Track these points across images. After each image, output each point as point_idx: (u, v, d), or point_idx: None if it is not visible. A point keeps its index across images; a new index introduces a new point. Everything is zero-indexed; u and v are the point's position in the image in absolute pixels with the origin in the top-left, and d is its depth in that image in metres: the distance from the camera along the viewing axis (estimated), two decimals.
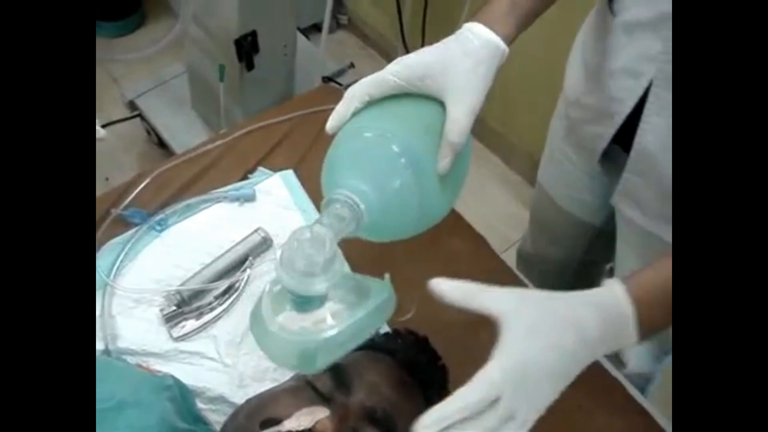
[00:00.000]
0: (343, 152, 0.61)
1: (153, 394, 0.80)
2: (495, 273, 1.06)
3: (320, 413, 0.66)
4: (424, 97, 0.63)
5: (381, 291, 0.62)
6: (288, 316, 0.56)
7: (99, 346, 0.91)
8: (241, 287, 0.96)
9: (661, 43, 0.75)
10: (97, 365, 0.83)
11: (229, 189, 1.06)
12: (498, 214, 1.90)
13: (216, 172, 1.10)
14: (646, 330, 0.57)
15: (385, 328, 0.90)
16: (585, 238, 1.17)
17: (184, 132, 1.91)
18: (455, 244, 1.07)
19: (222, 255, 0.98)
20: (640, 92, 0.81)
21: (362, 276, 0.64)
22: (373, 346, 0.81)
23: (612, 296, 0.57)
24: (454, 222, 1.10)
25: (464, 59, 0.63)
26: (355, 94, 0.63)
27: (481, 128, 2.12)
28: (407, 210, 0.60)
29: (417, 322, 0.92)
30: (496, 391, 0.51)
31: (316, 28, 2.26)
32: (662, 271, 0.57)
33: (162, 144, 1.98)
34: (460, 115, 0.61)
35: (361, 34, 2.44)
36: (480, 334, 0.97)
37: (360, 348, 0.78)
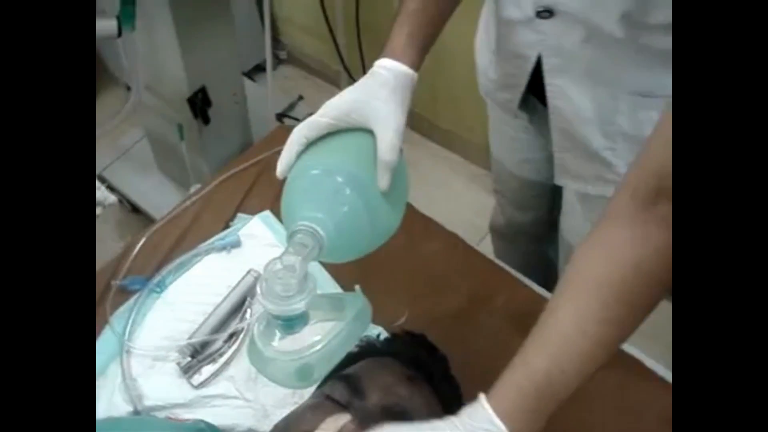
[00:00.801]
0: (296, 191, 0.69)
1: None
2: (473, 267, 1.14)
3: (343, 419, 0.73)
4: (354, 130, 0.72)
5: (355, 302, 0.70)
6: (280, 343, 0.65)
7: (128, 408, 0.97)
8: (246, 328, 1.03)
9: (536, 35, 0.88)
10: (131, 424, 0.90)
11: (215, 240, 1.14)
12: (468, 207, 1.98)
13: (199, 227, 1.18)
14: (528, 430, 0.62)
15: (385, 334, 0.98)
16: (544, 197, 1.26)
17: (156, 195, 1.97)
18: (432, 247, 1.15)
19: (222, 302, 1.05)
20: (530, 68, 0.94)
21: (335, 293, 0.72)
22: (377, 351, 0.88)
23: (476, 410, 0.62)
24: (425, 226, 1.19)
25: (381, 90, 0.72)
26: (294, 139, 0.72)
27: (435, 131, 2.21)
28: (361, 229, 0.68)
29: (411, 322, 1.01)
30: None
31: (259, 68, 2.34)
32: (522, 369, 0.62)
33: (136, 210, 2.04)
34: (388, 136, 0.70)
35: (302, 65, 2.53)
36: (470, 322, 1.07)
37: (365, 356, 0.87)
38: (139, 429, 0.88)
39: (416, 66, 0.76)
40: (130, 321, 1.04)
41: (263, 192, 1.22)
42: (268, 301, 0.61)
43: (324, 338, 0.65)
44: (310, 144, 0.72)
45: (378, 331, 0.94)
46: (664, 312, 0.65)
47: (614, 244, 0.64)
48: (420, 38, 0.78)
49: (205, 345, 1.01)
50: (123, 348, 1.02)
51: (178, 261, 1.10)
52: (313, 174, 0.69)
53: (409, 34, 0.77)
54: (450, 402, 0.80)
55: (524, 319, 0.66)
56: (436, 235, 1.17)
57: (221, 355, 1.01)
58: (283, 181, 0.71)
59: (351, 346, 0.69)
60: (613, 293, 0.62)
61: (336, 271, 1.06)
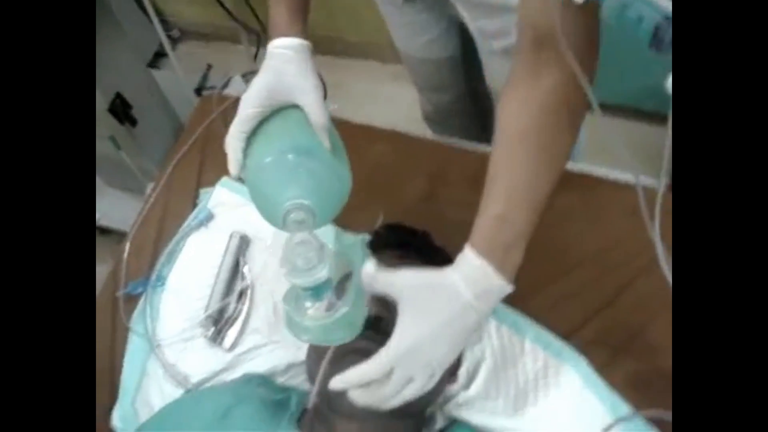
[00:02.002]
0: (261, 182, 0.75)
1: (246, 388, 0.96)
2: (422, 153, 1.23)
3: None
4: (280, 110, 0.79)
5: (355, 248, 0.78)
6: (314, 311, 0.72)
7: (179, 391, 1.05)
8: (251, 284, 1.12)
9: None
10: (188, 401, 0.99)
11: (190, 221, 1.20)
12: (401, 106, 2.04)
13: (171, 217, 1.24)
14: (509, 266, 0.71)
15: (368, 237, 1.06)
16: (459, 71, 1.34)
17: (117, 210, 2.00)
18: (378, 149, 1.23)
19: (219, 270, 1.13)
20: None
21: (335, 249, 0.78)
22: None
23: (465, 259, 0.71)
24: (366, 133, 1.26)
25: (287, 66, 0.79)
26: (234, 138, 0.78)
27: (344, 46, 2.25)
28: (332, 186, 0.76)
29: (388, 220, 1.07)
30: (388, 366, 0.69)
31: (159, 55, 2.35)
32: (486, 215, 0.71)
33: (104, 231, 2.08)
34: (312, 103, 0.77)
35: (198, 36, 2.52)
36: (437, 200, 1.16)
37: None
38: (198, 401, 0.97)
39: (305, 34, 0.82)
40: (148, 320, 1.12)
41: (214, 163, 1.27)
42: (293, 276, 0.68)
43: (353, 289, 0.73)
44: (249, 138, 0.78)
45: (362, 237, 1.02)
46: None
47: (521, 95, 0.74)
48: (297, 8, 0.84)
49: (221, 312, 1.09)
50: (153, 345, 1.09)
51: (166, 252, 1.17)
52: (268, 162, 0.74)
53: (288, 8, 0.83)
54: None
55: (481, 178, 0.75)
56: (378, 137, 1.25)
57: (238, 316, 1.09)
58: None
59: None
60: (533, 140, 0.72)
61: None
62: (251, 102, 0.78)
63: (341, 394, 0.74)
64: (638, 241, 1.02)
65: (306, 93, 0.77)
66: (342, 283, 0.73)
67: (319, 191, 0.73)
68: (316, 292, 0.70)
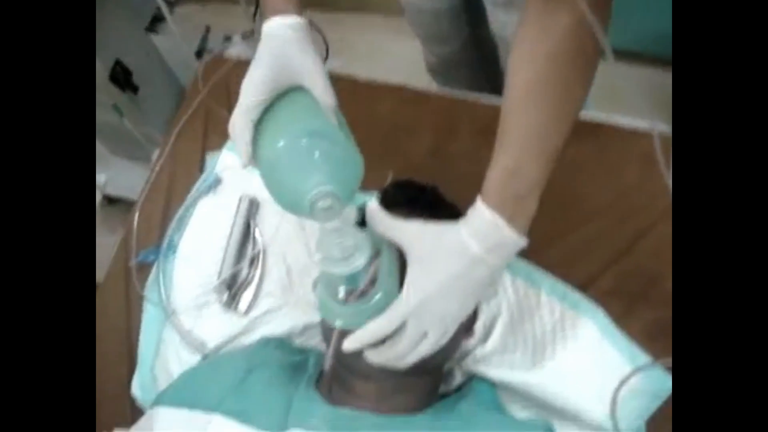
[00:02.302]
0: (277, 170, 0.72)
1: (262, 352, 0.96)
2: (429, 107, 1.20)
3: None
4: (285, 93, 0.75)
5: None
6: (347, 297, 0.71)
7: (197, 357, 1.06)
8: (262, 247, 1.11)
9: None
10: (207, 365, 0.99)
11: (198, 186, 1.19)
12: (407, 59, 2.01)
13: (178, 183, 1.23)
14: (521, 218, 0.69)
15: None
16: (461, 20, 1.31)
17: (123, 178, 1.99)
18: (385, 106, 1.21)
19: (231, 235, 1.12)
20: None
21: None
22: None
23: (476, 212, 0.69)
24: (371, 89, 1.24)
25: (288, 47, 0.74)
26: (241, 128, 0.74)
27: (344, 3, 2.20)
28: (348, 165, 0.73)
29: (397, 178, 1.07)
30: (400, 320, 0.69)
31: (157, 19, 2.30)
32: (497, 167, 0.70)
33: (112, 201, 2.07)
34: (319, 83, 0.73)
35: None
36: (446, 155, 1.14)
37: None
38: (217, 365, 0.97)
39: (300, 11, 0.79)
40: (162, 288, 1.11)
41: (219, 126, 1.26)
42: (329, 265, 0.67)
43: (382, 273, 0.72)
44: (257, 126, 0.75)
45: (371, 196, 1.01)
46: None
47: (532, 44, 0.71)
48: None
49: (234, 277, 1.09)
50: (168, 312, 1.09)
51: (176, 219, 1.16)
52: (283, 148, 0.71)
53: None
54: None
55: (492, 131, 0.73)
56: (383, 93, 1.22)
57: (252, 280, 1.09)
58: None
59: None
60: (545, 91, 0.70)
61: None
62: (255, 90, 0.74)
63: (357, 355, 0.74)
64: (654, 189, 1.03)
65: (312, 75, 0.74)
66: (372, 263, 0.72)
67: (340, 174, 0.71)
68: (352, 278, 0.69)
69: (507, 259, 0.71)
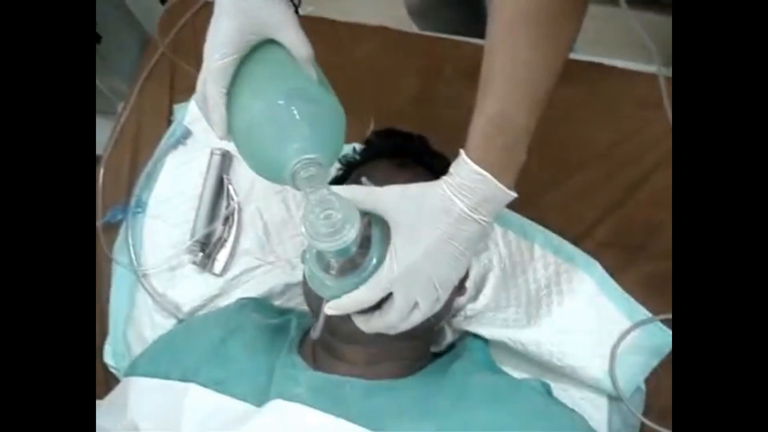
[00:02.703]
0: (255, 136, 0.66)
1: (239, 315, 0.91)
2: (412, 49, 1.14)
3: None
4: (256, 49, 0.67)
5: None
6: (339, 269, 0.66)
7: (171, 321, 1.01)
8: (236, 203, 1.04)
9: None
10: (182, 331, 0.94)
11: (166, 139, 1.12)
12: (386, 2, 1.92)
13: (145, 137, 1.15)
14: (509, 170, 0.64)
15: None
16: None
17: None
18: (366, 48, 1.14)
19: (203, 191, 1.05)
20: None
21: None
22: (359, 162, 0.91)
23: (459, 166, 0.64)
24: (351, 32, 1.16)
25: (251, 1, 0.66)
26: (214, 96, 0.66)
27: None
28: (331, 122, 0.67)
29: (380, 124, 1.00)
30: (383, 291, 0.64)
31: None
32: (481, 116, 0.64)
33: None
34: (291, 35, 0.66)
35: None
36: (431, 99, 1.08)
37: (350, 173, 0.89)
38: (192, 331, 0.91)
39: None
40: (131, 248, 1.05)
41: (187, 75, 1.17)
42: (319, 241, 0.61)
43: (374, 241, 0.66)
44: (229, 91, 0.68)
45: (353, 146, 0.96)
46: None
47: None
48: None
49: (208, 235, 1.03)
50: (139, 275, 1.03)
51: (143, 175, 1.09)
52: (259, 113, 0.65)
53: None
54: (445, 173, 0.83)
55: (478, 73, 0.67)
56: (364, 35, 1.15)
57: (227, 238, 1.03)
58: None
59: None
60: (533, 27, 0.63)
61: None
62: (222, 49, 0.66)
63: (344, 319, 0.69)
64: (652, 134, 0.98)
65: (283, 26, 0.66)
66: (363, 230, 0.66)
67: (323, 138, 0.66)
68: (343, 251, 0.63)
69: (497, 211, 0.66)
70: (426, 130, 0.93)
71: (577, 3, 0.65)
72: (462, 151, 0.65)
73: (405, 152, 0.89)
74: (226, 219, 1.04)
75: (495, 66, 0.65)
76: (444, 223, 0.64)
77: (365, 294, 0.66)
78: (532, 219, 0.96)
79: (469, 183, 0.63)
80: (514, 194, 0.65)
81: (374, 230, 0.67)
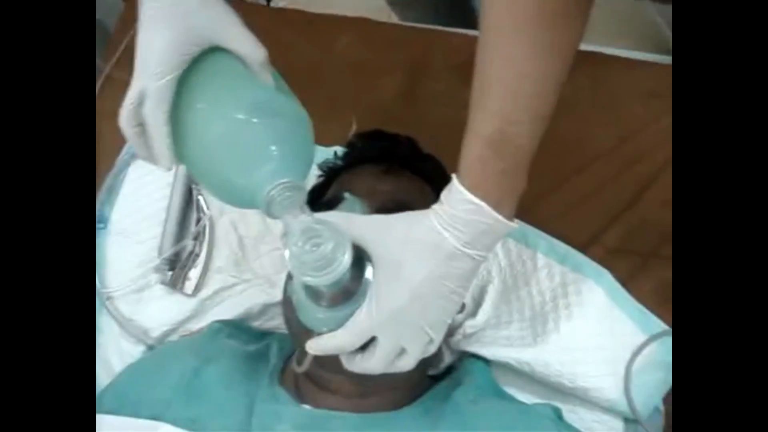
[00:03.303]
0: (218, 164, 0.58)
1: (213, 343, 0.83)
2: (395, 41, 1.06)
3: None
4: (200, 60, 0.58)
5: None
6: (331, 300, 0.58)
7: (140, 348, 0.93)
8: (207, 216, 0.96)
9: None
10: (150, 361, 0.86)
11: (128, 149, 1.02)
12: None
13: (105, 146, 1.03)
14: (508, 197, 0.57)
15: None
16: None
17: None
18: (344, 40, 1.05)
19: (170, 202, 0.96)
20: None
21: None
22: (341, 168, 0.84)
23: (453, 196, 0.56)
24: (329, 23, 1.08)
25: (186, 3, 0.57)
26: (157, 124, 0.57)
27: None
28: (301, 137, 0.60)
29: (364, 127, 0.93)
30: (365, 336, 0.57)
31: None
32: (476, 136, 0.56)
33: None
34: (240, 38, 0.58)
35: None
36: (420, 96, 1.01)
37: (332, 180, 0.82)
38: (161, 361, 0.83)
39: None
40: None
41: None
42: (309, 277, 0.53)
43: (368, 267, 0.58)
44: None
45: (334, 149, 0.89)
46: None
47: None
48: None
49: (178, 252, 0.94)
50: (103, 297, 0.94)
51: (105, 188, 1.00)
52: (216, 134, 0.57)
53: None
54: (438, 180, 0.76)
55: (471, 67, 0.59)
56: (343, 27, 1.07)
57: (198, 255, 0.94)
58: None
59: None
60: (537, 23, 0.54)
61: None
62: (159, 67, 0.56)
63: (330, 357, 0.61)
64: (661, 128, 0.90)
65: (227, 29, 0.58)
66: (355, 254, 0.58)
67: (293, 154, 0.58)
68: (336, 283, 0.56)
69: (495, 244, 0.58)
70: (414, 131, 0.86)
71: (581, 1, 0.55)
72: (454, 177, 0.57)
73: (391, 156, 0.81)
74: (197, 234, 0.95)
75: (490, 76, 0.56)
76: (433, 261, 0.56)
77: (346, 339, 0.58)
78: (533, 225, 0.88)
79: (463, 215, 0.55)
80: (514, 225, 0.58)
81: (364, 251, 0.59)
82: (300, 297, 0.60)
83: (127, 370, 0.85)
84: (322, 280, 0.53)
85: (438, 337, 0.59)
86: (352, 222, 0.57)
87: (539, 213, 0.88)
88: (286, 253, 0.54)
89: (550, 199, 0.91)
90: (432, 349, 0.60)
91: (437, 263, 0.56)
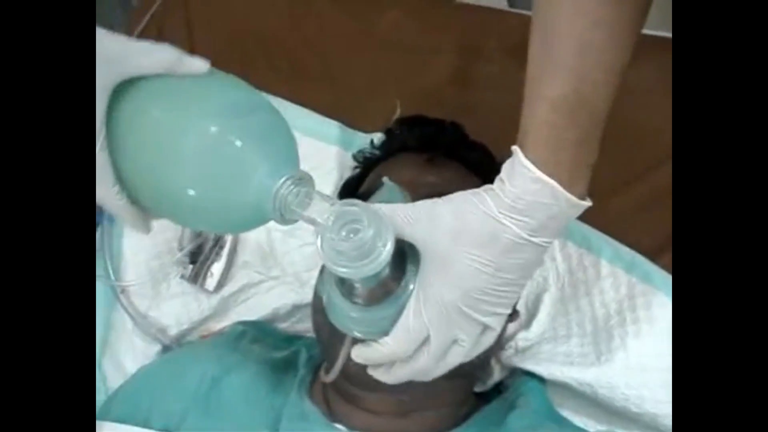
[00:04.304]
0: (206, 193, 0.47)
1: (236, 348, 0.77)
2: (446, 19, 0.98)
3: None
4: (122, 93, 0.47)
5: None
6: (367, 297, 0.52)
7: (155, 347, 0.87)
8: None
9: None
10: (166, 366, 0.80)
11: None
12: None
13: None
14: (581, 172, 0.49)
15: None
16: None
17: None
18: (391, 18, 0.97)
19: None
20: None
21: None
22: (379, 158, 0.78)
23: (515, 172, 0.48)
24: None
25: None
26: (105, 197, 0.48)
27: None
28: (282, 125, 0.50)
29: (407, 111, 0.87)
30: (420, 338, 0.50)
31: None
32: (544, 100, 0.49)
33: None
34: (161, 56, 0.47)
35: None
36: (471, 79, 0.93)
37: (369, 171, 0.76)
38: (178, 366, 0.76)
39: None
40: (107, 257, 0.89)
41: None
42: (346, 270, 0.46)
43: (409, 262, 0.52)
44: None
45: (371, 138, 0.82)
46: None
47: None
48: None
49: (200, 245, 0.88)
50: (116, 291, 0.88)
51: None
52: (191, 149, 0.46)
53: None
54: (486, 170, 0.70)
55: (525, 49, 0.52)
56: (388, 3, 0.98)
57: (222, 247, 0.87)
58: None
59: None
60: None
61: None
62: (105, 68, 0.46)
63: (362, 368, 0.54)
64: None
65: (136, 53, 0.47)
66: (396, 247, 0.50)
67: (285, 145, 0.50)
68: (374, 275, 0.49)
69: (563, 227, 0.50)
70: (463, 117, 0.79)
71: None
72: (517, 150, 0.49)
73: (435, 144, 0.74)
74: None
75: (558, 27, 0.49)
76: (489, 254, 0.48)
77: (400, 346, 0.50)
78: (596, 228, 0.79)
79: (529, 197, 0.47)
80: (588, 203, 0.50)
81: (406, 243, 0.51)
82: (332, 294, 0.52)
83: (140, 374, 0.79)
84: (360, 271, 0.46)
85: (496, 328, 0.51)
86: (393, 210, 0.50)
87: (604, 214, 0.77)
88: (318, 241, 0.46)
89: (617, 198, 0.81)
90: (487, 344, 0.52)
91: (494, 256, 0.48)
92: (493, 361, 0.76)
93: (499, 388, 0.77)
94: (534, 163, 0.47)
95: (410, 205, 0.51)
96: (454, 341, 0.51)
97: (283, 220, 0.48)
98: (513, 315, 0.73)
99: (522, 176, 0.47)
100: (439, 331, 0.49)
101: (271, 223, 0.87)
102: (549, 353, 0.74)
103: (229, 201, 0.47)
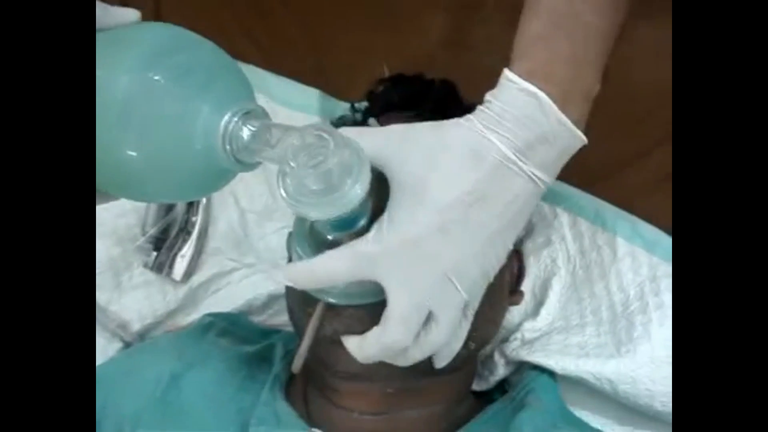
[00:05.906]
0: (150, 142, 0.41)
1: (201, 342, 0.69)
2: None
3: None
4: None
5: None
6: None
7: (117, 345, 0.79)
8: None
9: None
10: (122, 363, 0.74)
11: None
12: None
13: None
14: (576, 96, 0.45)
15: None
16: None
17: None
18: None
19: None
20: None
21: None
22: (359, 123, 0.71)
23: (503, 89, 0.44)
24: None
25: None
26: None
27: None
28: (229, 62, 0.44)
29: None
30: (369, 270, 0.43)
31: None
32: (538, 15, 0.47)
33: None
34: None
35: None
36: (466, 40, 0.87)
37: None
38: (137, 362, 0.70)
39: None
40: None
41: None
42: (306, 205, 0.40)
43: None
44: None
45: (350, 104, 0.75)
46: None
47: None
48: None
49: (165, 230, 0.81)
50: None
51: None
52: (124, 95, 0.39)
53: None
54: None
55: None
56: None
57: (189, 231, 0.80)
58: None
59: None
60: None
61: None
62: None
63: (335, 348, 0.50)
64: None
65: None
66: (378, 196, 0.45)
67: (235, 78, 0.43)
68: (349, 220, 0.44)
69: (559, 164, 0.46)
70: (459, 80, 0.73)
71: None
72: (505, 70, 0.45)
73: (421, 101, 0.67)
74: (189, 206, 0.81)
75: None
76: (471, 175, 0.43)
77: (338, 265, 0.44)
78: (612, 202, 0.71)
79: (516, 110, 0.43)
80: (583, 138, 0.45)
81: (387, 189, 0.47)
82: (300, 252, 0.46)
83: (102, 373, 0.70)
84: (330, 208, 0.39)
85: (476, 298, 0.45)
86: (360, 133, 0.43)
87: (620, 186, 0.73)
88: (278, 180, 0.40)
89: (634, 169, 0.76)
90: (467, 322, 0.46)
91: (477, 179, 0.43)
92: (496, 355, 0.68)
93: (503, 387, 0.68)
94: (522, 75, 0.44)
95: (384, 127, 0.45)
96: (428, 314, 0.44)
97: (240, 164, 0.40)
98: (515, 295, 0.66)
99: (508, 89, 0.44)
100: (399, 280, 0.43)
101: (245, 204, 0.82)
102: (560, 344, 0.66)
103: (175, 152, 0.40)
